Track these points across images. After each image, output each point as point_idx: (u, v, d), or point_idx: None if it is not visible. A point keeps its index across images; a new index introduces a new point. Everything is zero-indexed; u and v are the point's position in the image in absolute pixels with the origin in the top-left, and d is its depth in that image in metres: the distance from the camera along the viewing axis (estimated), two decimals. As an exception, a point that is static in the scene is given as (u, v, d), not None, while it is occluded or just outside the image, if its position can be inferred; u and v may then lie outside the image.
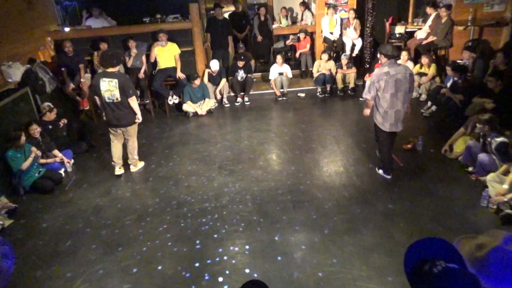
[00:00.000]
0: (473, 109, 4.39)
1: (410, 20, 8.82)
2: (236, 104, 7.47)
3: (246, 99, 7.48)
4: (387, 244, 3.36)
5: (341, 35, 8.21)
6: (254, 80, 8.11)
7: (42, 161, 4.88)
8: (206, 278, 3.14)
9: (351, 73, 7.41)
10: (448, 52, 7.58)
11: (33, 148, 4.69)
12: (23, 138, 4.58)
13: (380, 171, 4.57)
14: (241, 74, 7.43)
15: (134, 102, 4.64)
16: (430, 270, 1.09)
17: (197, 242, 3.58)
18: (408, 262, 1.19)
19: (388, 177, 4.48)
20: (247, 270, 3.18)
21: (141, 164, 5.18)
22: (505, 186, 3.57)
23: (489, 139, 3.99)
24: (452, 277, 1.06)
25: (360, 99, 6.97)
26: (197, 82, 6.86)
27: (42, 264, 3.45)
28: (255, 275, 3.11)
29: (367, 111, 4.55)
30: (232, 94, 7.66)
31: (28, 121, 4.98)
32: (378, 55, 4.25)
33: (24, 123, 4.94)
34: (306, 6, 9.00)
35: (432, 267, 1.09)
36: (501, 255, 1.22)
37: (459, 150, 4.69)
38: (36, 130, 4.89)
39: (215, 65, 7.21)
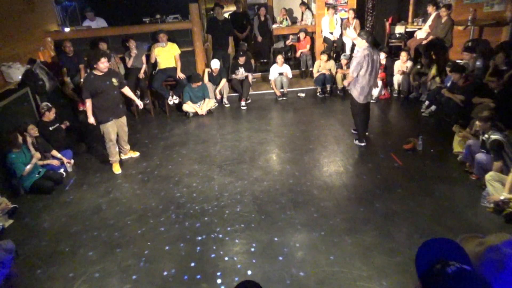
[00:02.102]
0: (481, 111, 4.37)
1: (410, 20, 8.82)
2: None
3: (242, 103, 7.30)
4: (387, 244, 3.36)
5: (341, 35, 8.22)
6: (254, 80, 8.10)
7: (40, 162, 4.86)
8: (206, 278, 3.14)
9: (351, 73, 7.40)
10: (448, 52, 7.57)
11: (37, 155, 4.69)
12: (19, 138, 4.54)
13: (356, 142, 5.33)
14: (241, 71, 7.42)
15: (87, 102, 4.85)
16: (443, 269, 1.06)
17: (197, 242, 3.58)
18: (420, 262, 1.15)
19: (362, 144, 5.26)
20: (247, 270, 3.18)
21: (115, 167, 5.10)
22: (505, 193, 3.54)
23: (486, 136, 3.98)
24: (466, 278, 1.03)
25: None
26: (198, 83, 6.86)
27: (42, 264, 3.45)
28: (256, 275, 3.11)
29: (346, 82, 5.25)
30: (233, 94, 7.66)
31: (25, 122, 4.91)
32: (359, 38, 4.88)
33: (21, 124, 4.86)
34: (306, 6, 9.00)
35: (445, 266, 1.06)
36: (496, 256, 1.19)
37: (459, 149, 4.69)
38: (33, 130, 4.85)
39: (215, 64, 7.20)
